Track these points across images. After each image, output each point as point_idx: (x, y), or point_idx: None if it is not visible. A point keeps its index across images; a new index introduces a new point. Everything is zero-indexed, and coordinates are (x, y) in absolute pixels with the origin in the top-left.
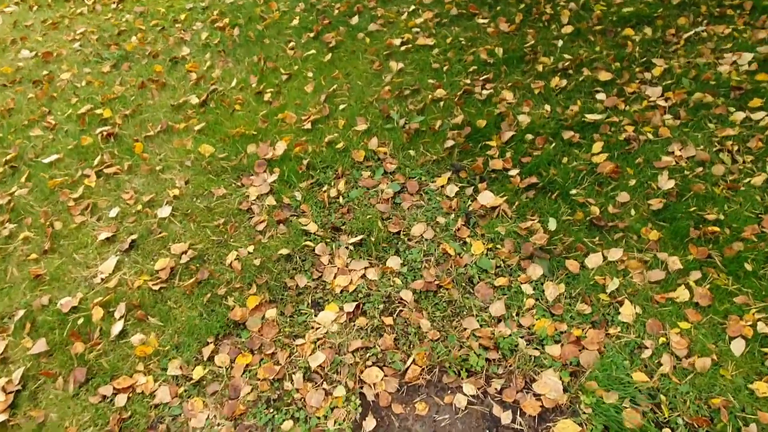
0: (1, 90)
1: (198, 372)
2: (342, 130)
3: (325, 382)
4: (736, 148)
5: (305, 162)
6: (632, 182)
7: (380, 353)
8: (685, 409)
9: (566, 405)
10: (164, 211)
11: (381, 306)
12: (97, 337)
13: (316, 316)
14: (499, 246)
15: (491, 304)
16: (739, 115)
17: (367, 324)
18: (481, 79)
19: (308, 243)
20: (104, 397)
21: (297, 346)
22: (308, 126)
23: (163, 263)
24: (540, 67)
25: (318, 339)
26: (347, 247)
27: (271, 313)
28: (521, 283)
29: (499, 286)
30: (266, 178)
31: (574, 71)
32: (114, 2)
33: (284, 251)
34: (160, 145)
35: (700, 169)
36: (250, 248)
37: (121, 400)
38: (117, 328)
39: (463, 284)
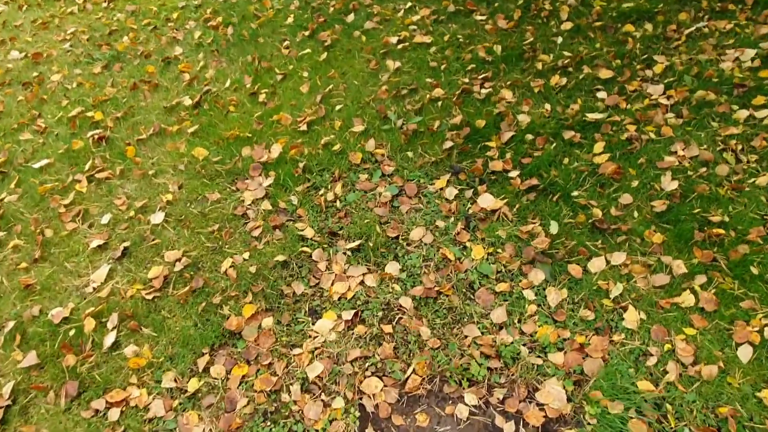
0: None
1: (193, 384)
2: (338, 132)
3: (323, 394)
4: (740, 147)
5: (301, 165)
6: (635, 183)
7: (379, 362)
8: (691, 418)
9: (570, 415)
10: (157, 217)
11: (380, 313)
12: (89, 348)
13: (313, 324)
14: (499, 250)
15: (492, 311)
16: (743, 113)
17: (365, 332)
18: (479, 77)
19: (305, 249)
20: (97, 411)
21: (294, 355)
22: (304, 127)
23: (156, 271)
24: (539, 65)
25: (316, 348)
26: (345, 253)
27: (268, 321)
28: (523, 289)
29: (501, 291)
30: (261, 181)
31: (574, 69)
32: (105, 1)
33: (280, 258)
34: (152, 149)
35: (704, 169)
36: (246, 255)
37: (114, 414)
38: (109, 339)
39: (464, 290)
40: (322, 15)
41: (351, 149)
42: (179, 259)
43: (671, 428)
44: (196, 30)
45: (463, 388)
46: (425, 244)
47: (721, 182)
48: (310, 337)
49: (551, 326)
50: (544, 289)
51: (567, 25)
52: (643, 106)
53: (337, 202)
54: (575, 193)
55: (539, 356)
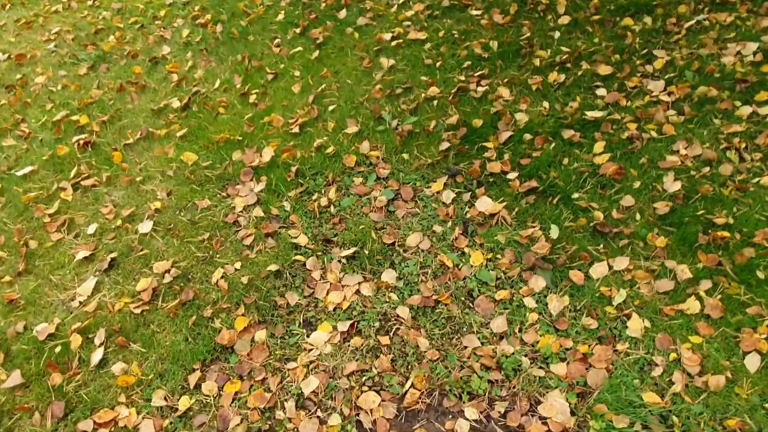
0: None
1: (184, 402)
2: (332, 134)
3: (319, 410)
4: (743, 145)
5: (294, 169)
6: (636, 184)
7: (377, 376)
8: (699, 431)
9: (574, 429)
10: (145, 226)
11: (377, 324)
12: (76, 366)
13: (308, 336)
14: (499, 256)
15: (492, 320)
16: (746, 110)
17: (362, 344)
18: (475, 75)
19: (298, 257)
20: None
21: (289, 370)
22: (296, 129)
23: (144, 283)
24: (537, 61)
25: (311, 362)
26: (340, 261)
27: (261, 334)
28: (523, 296)
29: (500, 299)
30: (253, 187)
31: (572, 65)
32: None
33: (273, 267)
34: (140, 154)
35: (707, 168)
36: (237, 264)
37: None
38: (97, 356)
39: (463, 298)
40: (314, 11)
41: (345, 152)
42: (168, 270)
43: None
44: (185, 28)
45: (464, 402)
46: (422, 251)
47: (725, 182)
48: (304, 350)
49: (553, 335)
50: (545, 297)
51: (564, 19)
52: (643, 103)
53: (331, 207)
54: (576, 195)
55: (541, 367)
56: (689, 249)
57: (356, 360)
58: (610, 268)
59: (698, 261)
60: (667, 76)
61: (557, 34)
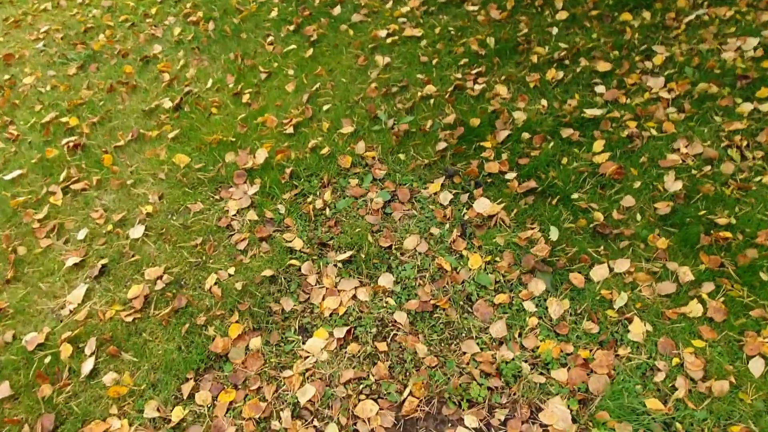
0: None
1: (177, 413)
2: (327, 134)
3: (315, 419)
4: (745, 143)
5: (288, 170)
6: (637, 184)
7: (374, 384)
8: None
9: None
10: (137, 231)
11: (374, 330)
12: (66, 377)
13: (304, 343)
14: (498, 259)
15: (491, 325)
16: (747, 107)
17: (359, 351)
18: (473, 72)
19: (294, 261)
20: None
21: (284, 378)
22: (290, 130)
23: (136, 290)
24: (534, 58)
25: (307, 370)
26: (336, 265)
27: (256, 342)
28: (523, 300)
29: (500, 303)
30: (246, 189)
31: (570, 61)
32: None
33: (268, 272)
34: (131, 156)
35: (708, 167)
36: (231, 270)
37: None
38: (88, 366)
39: (461, 303)
40: (308, 8)
41: (340, 152)
42: (161, 277)
43: None
44: (176, 26)
45: (463, 410)
46: (420, 254)
47: (727, 181)
48: (300, 357)
49: (553, 340)
50: (545, 300)
51: (562, 15)
52: (643, 100)
53: (327, 210)
54: (575, 196)
55: (542, 373)
56: (691, 250)
57: (353, 367)
58: (611, 270)
59: (700, 262)
60: (666, 73)
61: (555, 30)
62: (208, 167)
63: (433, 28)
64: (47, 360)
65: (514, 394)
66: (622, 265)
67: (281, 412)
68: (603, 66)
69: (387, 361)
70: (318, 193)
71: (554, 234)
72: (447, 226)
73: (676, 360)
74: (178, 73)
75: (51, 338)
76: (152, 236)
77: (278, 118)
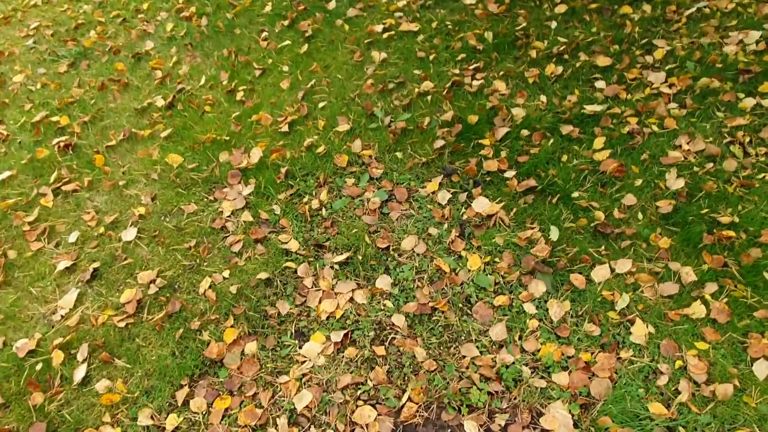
0: None
1: (172, 421)
2: (322, 132)
3: (312, 426)
4: (747, 139)
5: (283, 170)
6: (638, 182)
7: (372, 389)
8: None
9: None
10: (129, 234)
11: (371, 334)
12: (58, 384)
13: (300, 348)
14: (497, 259)
15: (491, 327)
16: (749, 102)
17: (357, 355)
18: (470, 68)
19: (289, 264)
20: None
21: (281, 384)
22: (285, 128)
23: (129, 294)
24: (533, 53)
25: (304, 375)
26: (332, 267)
27: (251, 347)
28: (523, 302)
29: (499, 305)
30: (241, 190)
31: (570, 56)
32: None
33: (263, 275)
34: (123, 156)
35: (711, 164)
36: (226, 273)
37: None
38: (80, 373)
39: (460, 305)
40: (302, 2)
41: (336, 151)
42: (154, 281)
43: None
44: (169, 22)
45: (463, 415)
46: (418, 255)
47: (729, 178)
48: (297, 362)
49: (554, 343)
50: (546, 302)
51: (561, 8)
52: (644, 95)
53: (323, 210)
54: (575, 194)
55: (542, 377)
56: (694, 250)
57: (351, 372)
58: (612, 270)
59: (703, 262)
60: (667, 67)
61: (554, 24)
62: (202, 167)
63: (430, 23)
64: (39, 367)
65: (515, 398)
66: (623, 265)
67: (278, 419)
68: (603, 61)
69: (385, 365)
70: (314, 193)
71: (554, 234)
72: (445, 226)
73: (679, 363)
74: (170, 71)
75: (42, 344)
76: (145, 239)
77: (273, 116)
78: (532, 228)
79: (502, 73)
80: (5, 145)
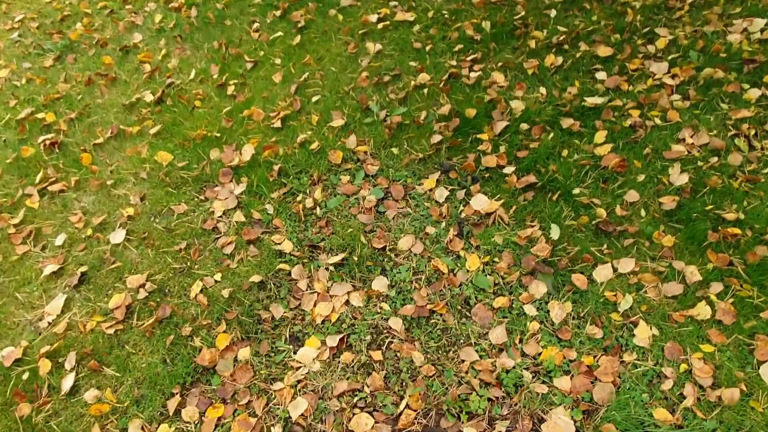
0: None
1: (163, 431)
2: (316, 127)
3: None
4: (753, 132)
5: (276, 168)
6: (641, 177)
7: (369, 396)
8: None
9: None
10: (118, 236)
11: (368, 338)
12: (46, 394)
13: (295, 353)
14: (496, 259)
15: (491, 330)
16: (755, 93)
17: (353, 360)
18: (468, 59)
19: (283, 265)
20: None
21: (275, 391)
22: (278, 124)
23: (118, 300)
24: (532, 43)
25: (298, 381)
26: (327, 268)
27: (245, 353)
28: (523, 304)
29: (499, 307)
30: (233, 189)
31: (570, 46)
32: None
33: (256, 278)
34: (111, 154)
35: (715, 159)
36: (218, 276)
37: None
38: (68, 382)
39: (459, 307)
40: None
41: (330, 147)
42: (143, 285)
43: None
44: (157, 13)
45: (462, 422)
46: (415, 255)
47: (734, 173)
48: (291, 368)
49: (556, 346)
50: (547, 303)
51: None
52: (646, 87)
53: (317, 209)
54: (576, 191)
55: (544, 382)
56: (698, 248)
57: (347, 378)
58: (615, 270)
59: (708, 261)
60: (670, 57)
61: (553, 13)
62: (192, 165)
63: (426, 12)
64: (25, 376)
65: (516, 404)
66: (626, 264)
67: (272, 428)
68: (604, 51)
69: (382, 371)
70: (308, 192)
71: (555, 232)
72: (443, 224)
73: (683, 366)
74: (159, 64)
75: (29, 353)
76: (134, 241)
77: (265, 110)
78: (533, 226)
79: (500, 64)
80: None
